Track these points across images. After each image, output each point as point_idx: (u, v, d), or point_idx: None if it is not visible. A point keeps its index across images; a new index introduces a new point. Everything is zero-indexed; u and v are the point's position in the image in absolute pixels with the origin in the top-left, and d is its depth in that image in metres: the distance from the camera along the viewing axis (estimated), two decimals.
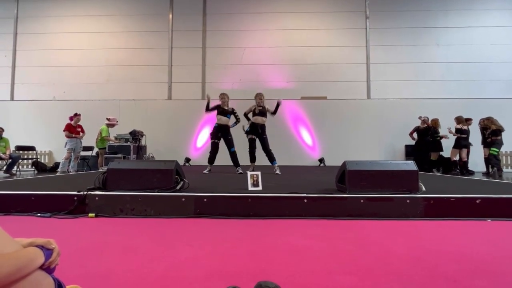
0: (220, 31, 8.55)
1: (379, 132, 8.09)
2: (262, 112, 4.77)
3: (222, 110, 4.87)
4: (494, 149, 6.20)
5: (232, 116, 4.94)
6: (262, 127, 4.76)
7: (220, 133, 4.86)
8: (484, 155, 6.50)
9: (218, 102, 4.96)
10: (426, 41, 8.33)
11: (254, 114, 4.80)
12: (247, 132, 4.84)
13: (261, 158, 4.87)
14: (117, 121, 6.89)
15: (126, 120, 8.05)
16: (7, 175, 5.68)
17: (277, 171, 4.55)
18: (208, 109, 4.88)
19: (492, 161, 6.22)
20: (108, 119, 6.72)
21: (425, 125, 6.88)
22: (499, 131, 6.24)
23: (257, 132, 4.74)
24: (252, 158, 4.84)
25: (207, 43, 8.57)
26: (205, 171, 4.76)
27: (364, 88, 8.32)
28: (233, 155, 4.83)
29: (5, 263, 0.56)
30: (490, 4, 8.31)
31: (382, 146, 8.11)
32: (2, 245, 0.59)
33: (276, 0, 8.59)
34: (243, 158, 4.98)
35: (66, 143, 6.07)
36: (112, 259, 1.25)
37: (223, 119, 4.86)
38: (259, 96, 4.82)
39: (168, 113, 8.33)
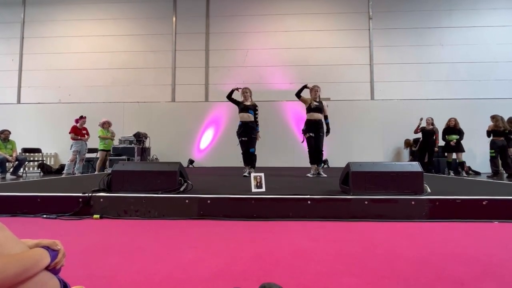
0: (223, 34, 8.59)
1: (383, 133, 8.04)
2: (319, 108, 4.37)
3: (244, 107, 4.40)
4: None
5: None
6: (319, 123, 4.39)
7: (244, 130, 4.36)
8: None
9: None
10: (430, 41, 8.27)
11: (310, 110, 4.40)
12: (303, 131, 4.48)
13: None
14: (106, 122, 6.69)
15: (130, 122, 8.12)
16: (14, 177, 5.76)
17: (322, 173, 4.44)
18: (230, 97, 4.45)
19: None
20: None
21: (431, 127, 6.79)
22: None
23: (314, 129, 4.37)
24: (313, 160, 4.46)
25: (210, 46, 8.61)
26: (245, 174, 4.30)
27: (368, 89, 8.29)
28: (252, 156, 4.42)
29: (12, 263, 0.56)
30: (495, 3, 8.23)
31: (386, 147, 8.06)
32: (9, 246, 0.60)
33: (279, 2, 8.61)
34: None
35: (72, 145, 6.15)
36: (116, 260, 1.25)
37: (245, 116, 4.38)
38: (315, 89, 4.44)
39: (172, 115, 8.38)
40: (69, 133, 6.16)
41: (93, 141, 6.83)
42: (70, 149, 6.17)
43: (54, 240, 0.70)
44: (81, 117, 6.33)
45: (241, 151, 4.44)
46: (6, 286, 0.55)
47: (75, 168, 6.17)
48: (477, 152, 7.50)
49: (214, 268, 1.16)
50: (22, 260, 0.59)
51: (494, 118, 6.17)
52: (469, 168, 7.21)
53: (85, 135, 6.32)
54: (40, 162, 7.25)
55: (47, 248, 0.67)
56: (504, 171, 6.10)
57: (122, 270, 1.14)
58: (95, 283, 1.00)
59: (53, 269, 0.68)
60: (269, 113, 8.14)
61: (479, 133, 6.64)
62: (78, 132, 6.19)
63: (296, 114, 8.18)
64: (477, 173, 7.09)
